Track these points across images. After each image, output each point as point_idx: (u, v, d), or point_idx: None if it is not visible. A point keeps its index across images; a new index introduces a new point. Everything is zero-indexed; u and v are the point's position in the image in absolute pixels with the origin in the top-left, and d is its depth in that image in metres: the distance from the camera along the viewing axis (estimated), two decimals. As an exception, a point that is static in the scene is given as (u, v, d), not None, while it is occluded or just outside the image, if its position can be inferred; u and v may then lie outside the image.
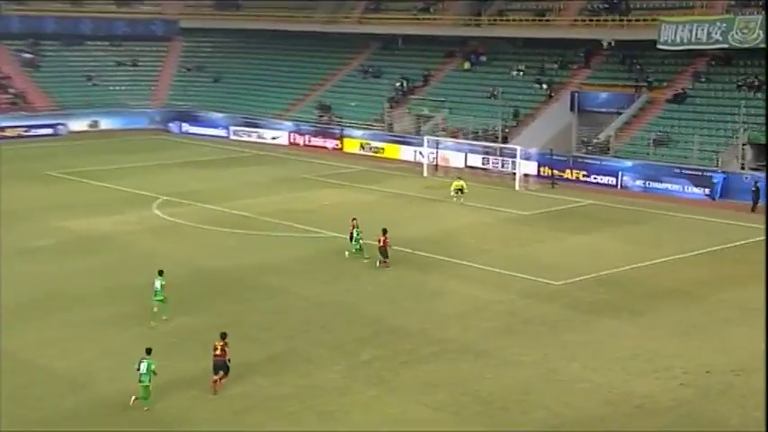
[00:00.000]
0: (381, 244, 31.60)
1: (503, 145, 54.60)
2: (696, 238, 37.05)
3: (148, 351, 21.08)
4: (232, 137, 69.06)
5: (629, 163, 50.54)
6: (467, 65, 65.91)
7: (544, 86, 60.11)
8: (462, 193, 45.12)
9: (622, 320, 26.88)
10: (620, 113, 55.02)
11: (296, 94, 71.82)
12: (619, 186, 49.46)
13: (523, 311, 27.61)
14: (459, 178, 47.00)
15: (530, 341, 24.92)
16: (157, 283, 25.97)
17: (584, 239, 37.58)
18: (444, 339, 24.95)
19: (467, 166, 54.28)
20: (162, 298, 25.95)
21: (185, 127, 72.24)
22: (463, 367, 22.99)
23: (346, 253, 32.65)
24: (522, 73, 62.84)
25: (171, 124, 73.05)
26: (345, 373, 22.50)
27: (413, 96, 65.23)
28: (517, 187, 49.19)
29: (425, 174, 53.05)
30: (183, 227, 38.71)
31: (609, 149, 52.58)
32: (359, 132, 63.67)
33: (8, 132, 67.65)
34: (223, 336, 21.72)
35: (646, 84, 55.96)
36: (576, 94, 56.90)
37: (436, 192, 47.92)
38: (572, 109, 56.81)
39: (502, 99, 59.27)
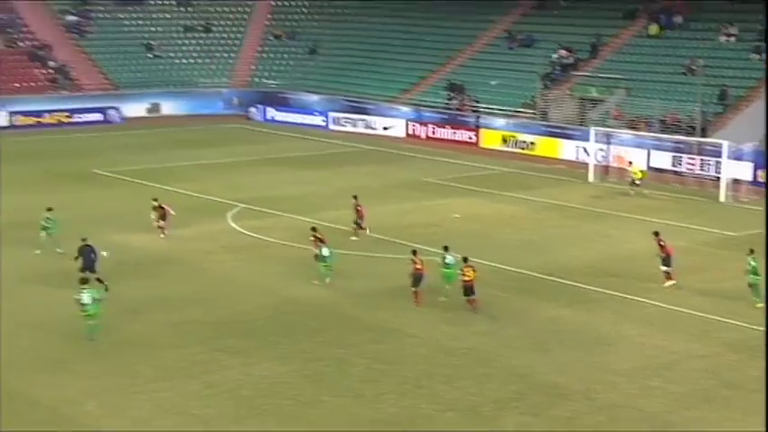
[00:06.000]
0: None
1: (703, 139, 53.65)
2: None
3: (83, 281, 29.42)
4: (332, 126, 70.34)
5: None
6: (654, 29, 65.07)
7: (765, 57, 58.76)
8: (636, 184, 48.37)
9: None
10: None
11: (417, 70, 72.37)
12: None
13: (732, 371, 26.92)
14: (630, 163, 49.91)
15: (741, 413, 24.26)
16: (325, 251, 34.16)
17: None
18: (616, 405, 24.62)
19: (650, 168, 53.48)
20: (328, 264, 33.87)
21: (271, 113, 74.05)
22: (642, 444, 22.71)
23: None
24: (733, 38, 61.57)
25: (253, 109, 75.01)
26: (479, 446, 22.57)
27: (576, 73, 64.81)
28: (722, 198, 48.27)
29: (591, 178, 52.55)
30: (267, 245, 39.58)
31: None
32: (501, 121, 63.70)
33: (47, 119, 70.52)
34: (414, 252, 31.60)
35: None
36: (812, 68, 55.29)
37: (606, 203, 47.32)
38: (804, 89, 55.21)
39: (703, 76, 58.19)
